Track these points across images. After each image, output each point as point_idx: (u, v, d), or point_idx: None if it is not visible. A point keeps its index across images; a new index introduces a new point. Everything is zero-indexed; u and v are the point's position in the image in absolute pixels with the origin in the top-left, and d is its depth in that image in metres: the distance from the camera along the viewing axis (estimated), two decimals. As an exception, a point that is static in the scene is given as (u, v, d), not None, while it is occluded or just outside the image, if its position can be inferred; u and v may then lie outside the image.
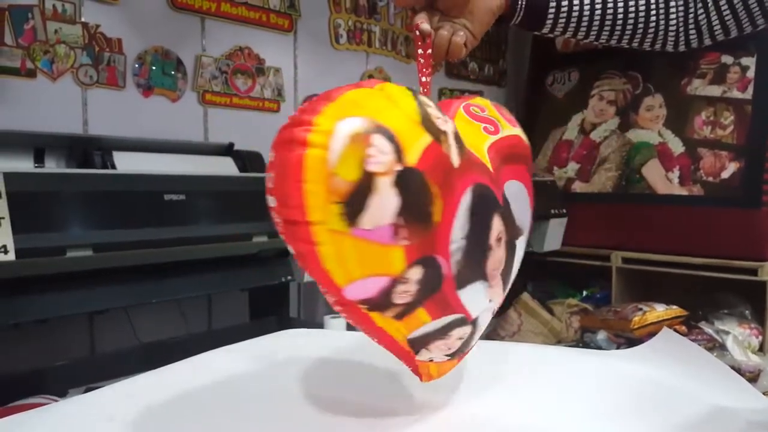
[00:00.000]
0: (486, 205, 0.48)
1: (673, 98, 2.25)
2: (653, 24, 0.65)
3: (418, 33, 0.57)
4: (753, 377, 1.66)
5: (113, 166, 1.40)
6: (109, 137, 1.46)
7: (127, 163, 1.42)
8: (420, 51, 0.58)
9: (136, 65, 1.65)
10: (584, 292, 2.41)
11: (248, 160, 1.63)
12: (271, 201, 0.42)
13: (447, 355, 0.52)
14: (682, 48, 0.67)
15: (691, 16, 0.65)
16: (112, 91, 1.59)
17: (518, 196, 0.53)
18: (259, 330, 1.54)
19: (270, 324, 1.52)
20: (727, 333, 1.91)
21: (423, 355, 0.51)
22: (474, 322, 0.51)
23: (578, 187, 2.45)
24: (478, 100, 0.58)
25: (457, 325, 0.49)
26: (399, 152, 0.41)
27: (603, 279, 2.30)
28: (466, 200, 0.45)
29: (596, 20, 0.64)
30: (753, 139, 2.06)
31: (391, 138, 0.41)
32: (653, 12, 0.64)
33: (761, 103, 2.06)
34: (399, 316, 0.46)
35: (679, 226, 2.16)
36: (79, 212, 1.18)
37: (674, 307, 2.03)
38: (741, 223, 2.03)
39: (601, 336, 1.97)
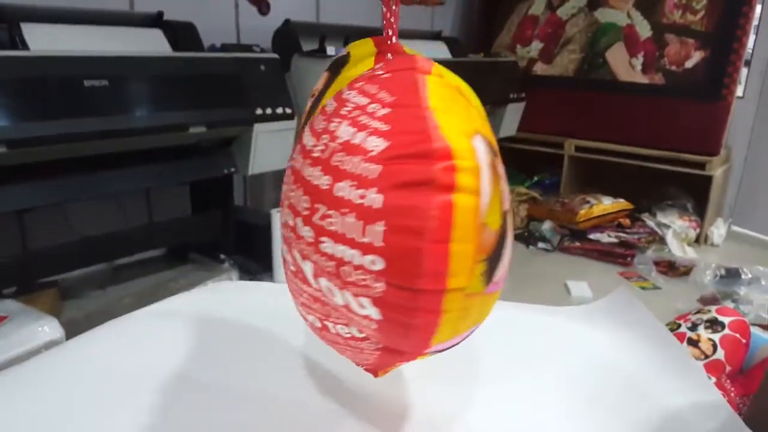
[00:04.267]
0: None
1: (647, -24, 2.10)
2: None
3: None
4: (686, 271, 1.73)
5: (23, 42, 1.22)
6: (14, 5, 1.25)
7: (38, 37, 1.24)
8: None
9: None
10: (534, 178, 2.42)
11: (180, 32, 1.45)
12: (375, 263, 0.29)
13: None
14: None
15: None
16: (12, -55, 1.34)
17: None
18: (203, 223, 1.49)
19: (214, 217, 1.47)
20: (668, 227, 1.97)
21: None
22: None
23: (539, 69, 2.35)
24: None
25: None
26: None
27: (555, 166, 2.30)
28: None
29: None
30: (722, 27, 1.98)
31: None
32: None
33: (737, -13, 1.95)
34: None
35: (636, 116, 2.13)
36: (-16, 102, 1.04)
37: (621, 200, 2.07)
38: (699, 116, 2.01)
39: (546, 226, 2.01)
